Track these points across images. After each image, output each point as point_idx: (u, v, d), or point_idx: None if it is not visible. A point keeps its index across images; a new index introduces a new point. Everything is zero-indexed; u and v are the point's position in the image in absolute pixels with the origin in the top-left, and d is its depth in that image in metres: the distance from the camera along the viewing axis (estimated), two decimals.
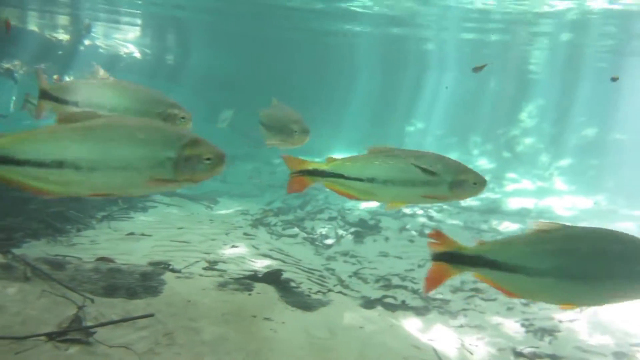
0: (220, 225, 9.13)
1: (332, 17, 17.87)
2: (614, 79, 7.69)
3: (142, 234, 7.80)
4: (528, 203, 16.11)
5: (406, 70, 29.26)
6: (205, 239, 7.79)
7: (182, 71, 26.03)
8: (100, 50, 23.25)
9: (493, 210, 14.75)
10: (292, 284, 6.25)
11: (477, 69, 9.08)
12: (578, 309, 3.14)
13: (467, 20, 16.27)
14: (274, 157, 19.97)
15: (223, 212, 11.32)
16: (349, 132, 24.92)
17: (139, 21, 21.53)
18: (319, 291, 6.26)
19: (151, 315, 4.48)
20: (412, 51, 23.41)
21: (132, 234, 7.81)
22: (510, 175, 20.25)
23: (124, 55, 23.77)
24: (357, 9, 16.41)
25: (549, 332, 6.23)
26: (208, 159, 2.88)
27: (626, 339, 6.14)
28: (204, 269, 6.18)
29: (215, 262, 6.54)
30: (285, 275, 6.66)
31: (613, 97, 23.04)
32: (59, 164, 2.68)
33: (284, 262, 7.47)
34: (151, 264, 5.99)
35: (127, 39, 24.17)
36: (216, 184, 15.74)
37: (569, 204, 16.34)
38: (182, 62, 27.60)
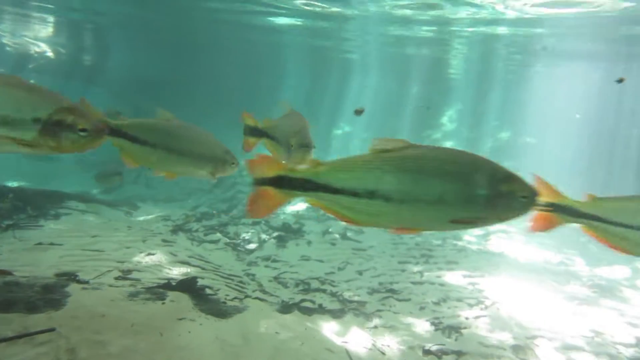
0: (138, 232, 8.84)
1: (258, 16, 17.83)
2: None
3: (51, 244, 7.41)
4: None
5: (331, 73, 29.78)
6: (120, 247, 7.52)
7: (100, 72, 24.87)
8: (7, 48, 21.69)
9: None
10: (208, 291, 6.19)
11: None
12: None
13: (390, 23, 16.80)
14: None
15: (143, 218, 10.98)
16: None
17: (51, 18, 20.31)
18: (235, 297, 6.25)
19: (52, 329, 4.29)
20: (337, 57, 23.89)
21: (40, 243, 7.39)
22: None
23: (35, 55, 22.28)
24: (283, 10, 16.52)
25: (456, 329, 6.58)
26: (524, 197, 2.57)
27: (523, 333, 6.62)
28: (116, 278, 5.98)
29: (129, 271, 6.34)
30: (202, 282, 6.60)
31: (522, 103, 24.74)
32: (370, 194, 2.59)
33: (202, 269, 7.38)
34: (57, 275, 5.72)
35: (39, 37, 22.59)
36: (140, 189, 15.24)
37: None
38: (100, 62, 26.35)
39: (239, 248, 9.55)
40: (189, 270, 7.21)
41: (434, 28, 16.10)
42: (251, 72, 28.35)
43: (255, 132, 4.75)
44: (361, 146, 25.49)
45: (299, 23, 17.78)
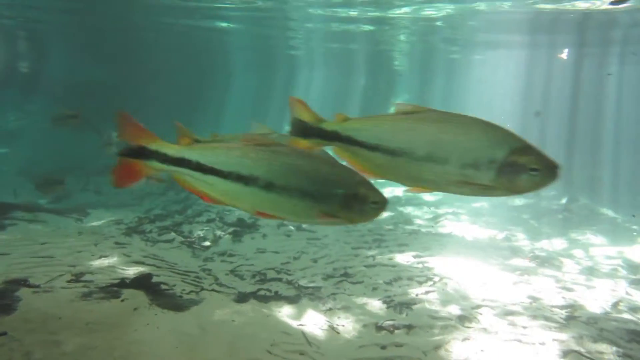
0: (90, 237, 8.75)
1: (202, 15, 17.77)
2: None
3: None
4: (398, 192, 17.41)
5: (278, 69, 29.94)
6: (71, 252, 7.45)
7: (39, 78, 23.98)
8: None
9: None
10: (164, 287, 6.28)
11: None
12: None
13: (334, 20, 17.13)
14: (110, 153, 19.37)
15: (94, 223, 10.81)
16: (228, 132, 24.89)
17: None
18: (192, 291, 6.36)
19: (4, 333, 4.31)
20: (282, 51, 24.08)
21: None
22: None
23: None
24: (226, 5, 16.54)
25: (407, 305, 6.93)
26: (534, 169, 2.59)
27: (468, 304, 7.05)
28: (68, 281, 5.97)
29: (81, 274, 6.32)
30: (158, 279, 6.68)
31: (463, 91, 25.75)
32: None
33: (158, 267, 7.42)
34: (6, 282, 5.65)
35: None
36: (90, 196, 14.92)
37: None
38: (38, 68, 25.40)
39: (194, 246, 9.59)
40: (143, 269, 7.23)
41: (373, 27, 16.52)
42: (197, 72, 28.11)
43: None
44: None
45: (241, 27, 17.85)
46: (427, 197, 16.89)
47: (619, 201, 15.54)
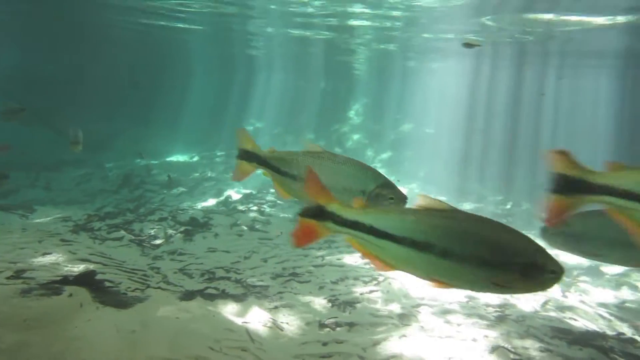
0: (34, 234, 8.58)
1: (159, 15, 17.60)
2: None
3: None
4: None
5: (238, 70, 29.93)
6: (13, 249, 7.32)
7: None
8: None
9: None
10: (109, 284, 6.28)
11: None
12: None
13: (293, 26, 17.31)
14: (106, 161, 19.06)
15: (40, 220, 10.59)
16: (187, 132, 24.76)
17: None
18: (137, 289, 6.39)
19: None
20: (242, 52, 24.10)
21: None
22: None
23: None
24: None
25: (350, 304, 7.18)
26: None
27: (409, 303, 7.37)
28: (8, 278, 5.89)
29: (22, 271, 6.24)
30: (103, 277, 6.66)
31: (421, 97, 26.49)
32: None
33: (104, 264, 7.39)
34: None
35: None
36: (38, 192, 14.54)
37: None
38: None
39: (144, 244, 9.56)
40: (89, 267, 7.19)
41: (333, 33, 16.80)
42: (156, 71, 27.73)
43: (253, 158, 4.16)
44: (271, 142, 25.89)
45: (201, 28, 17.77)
46: None
47: None
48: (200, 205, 14.01)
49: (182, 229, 10.64)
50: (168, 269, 8.13)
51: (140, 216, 11.67)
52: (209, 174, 19.71)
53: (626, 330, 7.34)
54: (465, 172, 19.32)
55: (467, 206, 16.63)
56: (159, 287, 6.70)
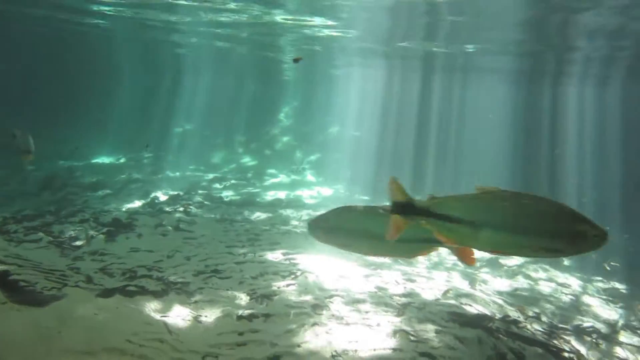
0: None
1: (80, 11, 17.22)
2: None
3: None
4: (281, 195, 18.23)
5: (165, 70, 29.58)
6: None
7: None
8: None
9: (250, 202, 16.33)
10: (24, 284, 6.34)
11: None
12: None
13: (219, 26, 17.50)
14: (26, 163, 18.35)
15: None
16: (115, 134, 24.24)
17: None
18: (53, 287, 6.48)
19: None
20: (168, 54, 23.96)
21: None
22: (271, 171, 22.45)
23: None
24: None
25: (268, 297, 7.62)
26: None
27: (323, 294, 7.91)
28: None
29: None
30: (18, 277, 6.68)
31: (348, 100, 27.48)
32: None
33: (19, 266, 7.35)
34: None
35: None
36: None
37: (315, 193, 19.04)
38: None
39: (64, 245, 9.50)
40: (3, 268, 7.16)
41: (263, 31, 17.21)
42: (82, 74, 26.85)
43: (411, 210, 3.62)
44: (201, 143, 25.84)
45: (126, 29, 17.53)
46: (308, 200, 17.88)
47: None
48: (126, 206, 13.93)
49: (105, 230, 10.62)
50: (88, 269, 8.17)
51: (60, 218, 11.50)
52: (136, 176, 19.46)
53: (512, 313, 8.30)
54: (388, 172, 20.35)
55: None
56: (77, 286, 6.81)
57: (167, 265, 8.86)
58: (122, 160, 22.84)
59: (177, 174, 21.21)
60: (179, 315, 6.57)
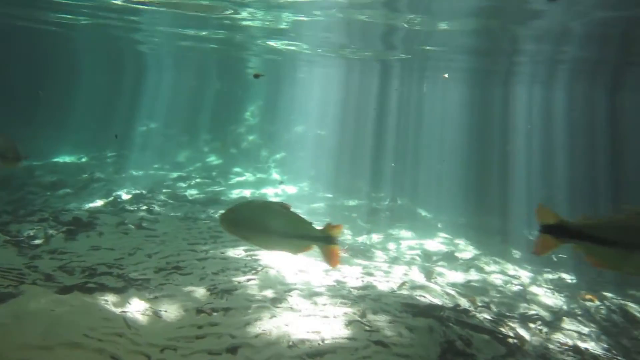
0: None
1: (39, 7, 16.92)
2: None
3: None
4: (247, 193, 18.35)
5: (127, 67, 29.20)
6: None
7: None
8: None
9: (214, 201, 16.39)
10: None
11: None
12: None
13: (184, 27, 17.48)
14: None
15: None
16: (75, 133, 23.81)
17: None
18: (9, 285, 6.50)
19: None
20: (129, 51, 23.70)
21: None
22: (236, 169, 22.52)
23: None
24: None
25: (228, 292, 7.79)
26: None
27: (283, 288, 8.14)
28: None
29: None
30: None
31: (313, 99, 27.77)
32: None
33: None
34: None
35: None
36: None
37: (280, 191, 19.24)
38: None
39: (21, 245, 9.41)
40: None
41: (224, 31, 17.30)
42: (40, 71, 26.22)
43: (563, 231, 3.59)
44: (166, 142, 25.63)
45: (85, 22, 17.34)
46: (273, 198, 18.05)
47: (429, 202, 18.30)
48: (87, 206, 13.81)
49: (64, 229, 10.54)
50: (47, 267, 8.16)
51: (18, 217, 11.34)
52: (98, 175, 19.20)
53: (464, 303, 8.72)
54: (351, 171, 20.75)
55: (351, 203, 17.93)
56: (34, 284, 6.84)
57: (128, 263, 8.91)
58: (84, 160, 22.47)
59: (141, 172, 21.02)
60: (138, 310, 6.68)
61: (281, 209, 4.18)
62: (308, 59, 21.80)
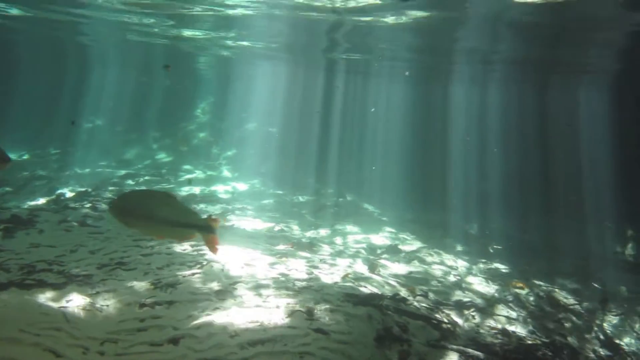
0: None
1: None
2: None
3: None
4: (196, 190, 18.26)
5: (70, 62, 28.31)
6: None
7: None
8: None
9: None
10: None
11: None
12: None
13: (128, 26, 17.19)
14: None
15: None
16: (14, 131, 22.92)
17: None
18: None
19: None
20: (73, 45, 23.05)
21: None
22: (186, 167, 22.33)
23: None
24: None
25: (172, 285, 7.85)
26: None
27: (228, 281, 8.27)
28: None
29: None
30: None
31: (265, 96, 27.86)
32: None
33: None
34: None
35: None
36: None
37: (230, 189, 19.26)
38: None
39: None
40: None
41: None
42: None
43: None
44: (114, 139, 25.05)
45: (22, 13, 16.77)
46: (223, 195, 18.08)
47: (375, 198, 18.85)
48: (28, 204, 13.44)
49: (2, 226, 10.24)
50: None
51: None
52: (41, 173, 18.64)
53: (403, 293, 9.13)
54: (301, 168, 21.03)
55: (301, 199, 18.18)
56: None
57: (70, 260, 8.78)
58: (25, 157, 21.67)
59: (87, 170, 20.52)
60: (78, 305, 6.66)
61: (168, 198, 4.40)
62: (256, 55, 21.83)
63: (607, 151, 16.90)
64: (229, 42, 18.87)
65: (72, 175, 18.90)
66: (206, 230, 4.46)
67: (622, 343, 8.99)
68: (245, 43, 18.69)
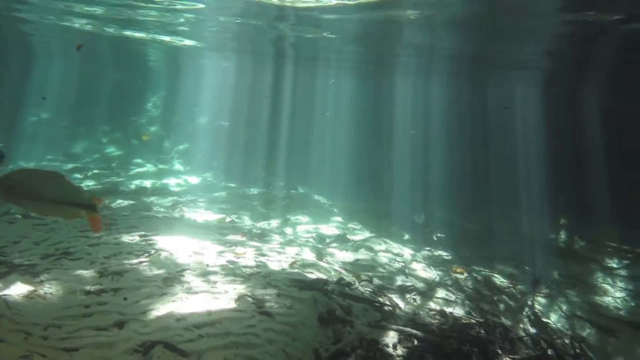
0: None
1: None
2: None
3: None
4: (147, 183, 18.07)
5: (12, 52, 27.25)
6: None
7: None
8: None
9: (112, 191, 16.03)
10: None
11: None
12: None
13: (80, 17, 16.77)
14: None
15: None
16: None
17: None
18: None
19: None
20: (14, 34, 22.23)
21: None
22: (137, 160, 22.00)
23: None
24: None
25: (119, 273, 7.88)
26: None
27: (175, 269, 8.37)
28: None
29: None
30: None
31: (216, 90, 27.73)
32: None
33: None
34: None
35: None
36: None
37: (182, 182, 19.16)
38: None
39: None
40: None
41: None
42: None
43: None
44: (60, 132, 24.33)
45: None
46: (174, 188, 17.97)
47: (326, 189, 19.25)
48: None
49: None
50: None
51: None
52: None
53: (348, 278, 9.49)
54: (253, 161, 21.16)
55: (253, 191, 18.32)
56: None
57: (13, 250, 8.64)
58: None
59: (32, 164, 19.90)
60: (21, 294, 6.62)
61: (55, 177, 4.52)
62: (202, 49, 21.72)
63: (541, 145, 17.92)
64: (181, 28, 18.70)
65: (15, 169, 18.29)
66: (89, 209, 4.56)
67: (549, 321, 9.69)
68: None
